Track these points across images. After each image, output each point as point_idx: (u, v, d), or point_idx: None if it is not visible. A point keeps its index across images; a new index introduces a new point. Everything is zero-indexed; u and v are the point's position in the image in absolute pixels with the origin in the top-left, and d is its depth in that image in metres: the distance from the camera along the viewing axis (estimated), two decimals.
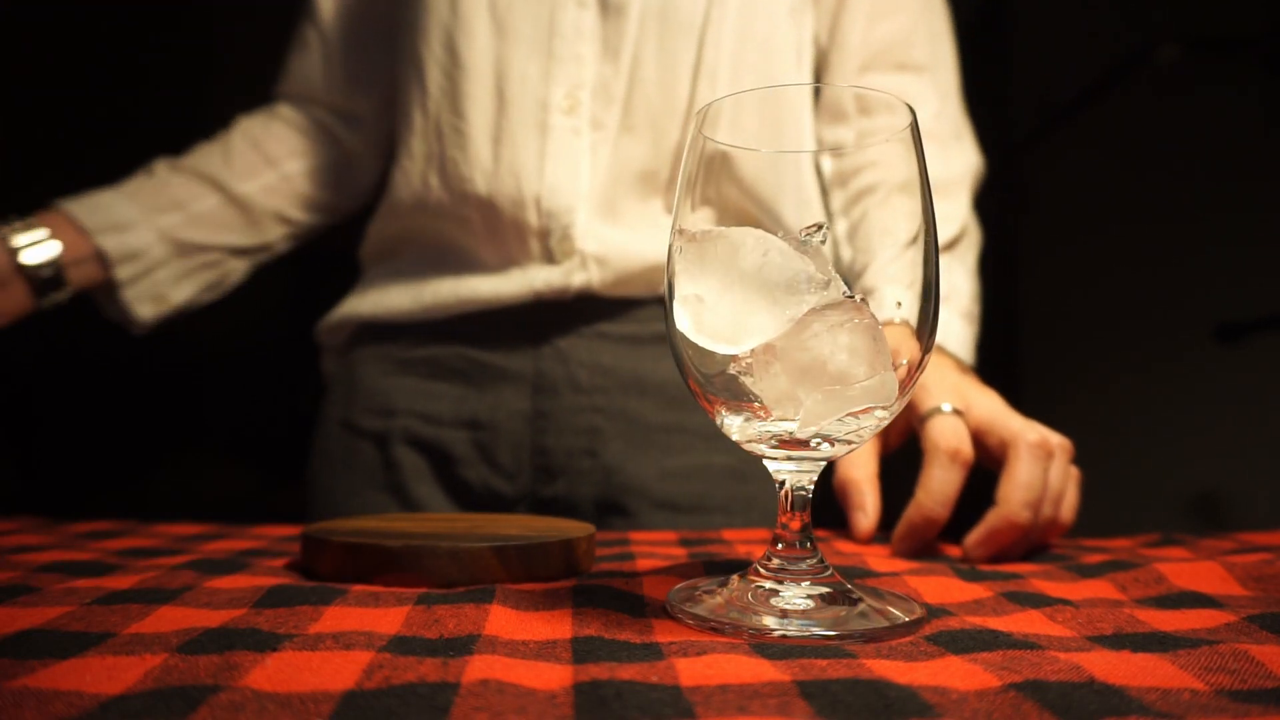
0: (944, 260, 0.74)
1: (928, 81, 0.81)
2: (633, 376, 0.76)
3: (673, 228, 0.39)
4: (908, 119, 0.38)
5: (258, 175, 0.89)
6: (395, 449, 0.79)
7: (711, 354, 0.37)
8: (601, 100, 0.73)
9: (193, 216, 0.85)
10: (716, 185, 0.38)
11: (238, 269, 0.90)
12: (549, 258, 0.74)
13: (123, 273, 0.81)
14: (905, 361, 0.37)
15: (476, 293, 0.76)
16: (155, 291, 0.84)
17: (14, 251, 0.74)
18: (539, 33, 0.73)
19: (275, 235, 0.91)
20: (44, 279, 0.76)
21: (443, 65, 0.76)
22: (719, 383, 0.37)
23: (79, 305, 0.81)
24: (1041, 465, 0.56)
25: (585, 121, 0.73)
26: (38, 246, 0.75)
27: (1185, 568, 0.43)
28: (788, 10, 0.77)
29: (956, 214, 0.78)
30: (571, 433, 0.76)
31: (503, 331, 0.77)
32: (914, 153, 0.38)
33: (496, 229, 0.74)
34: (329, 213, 0.95)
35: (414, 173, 0.78)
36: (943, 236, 0.75)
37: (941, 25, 0.84)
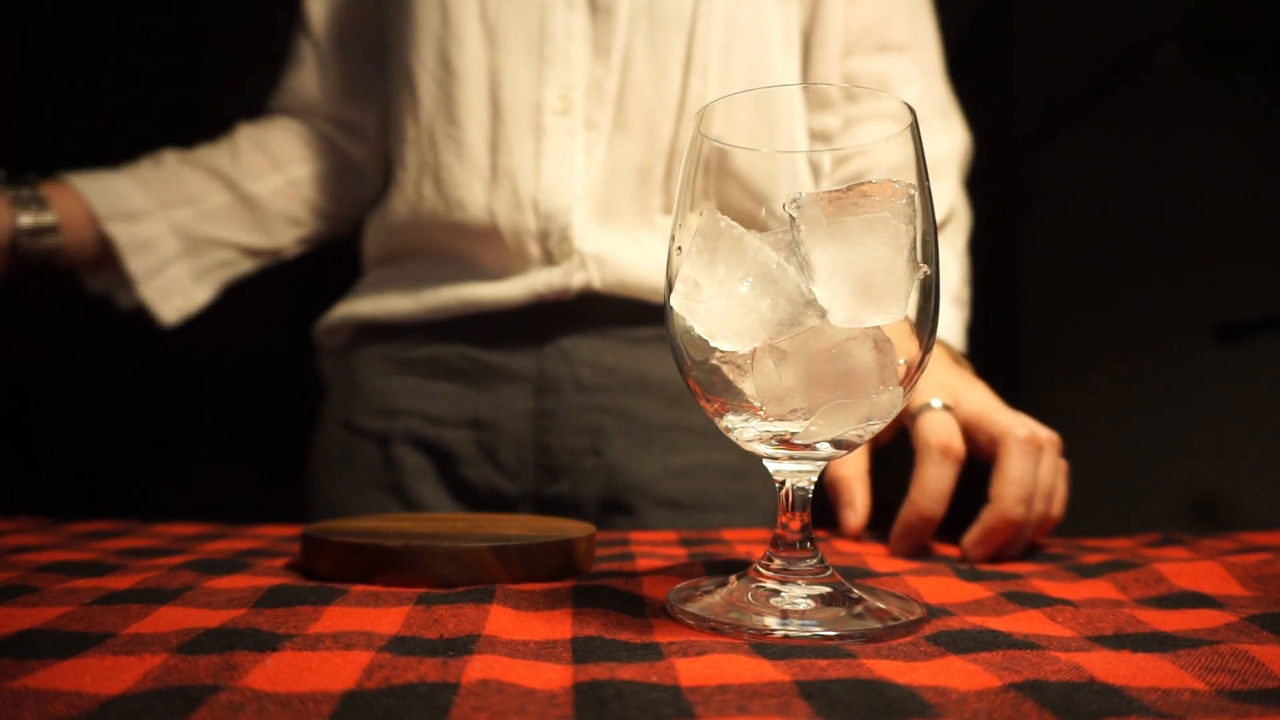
0: None
1: (910, 61, 0.82)
2: (635, 375, 0.76)
3: (673, 232, 0.39)
4: (892, 104, 0.38)
5: (266, 177, 0.88)
6: (397, 449, 0.79)
7: (702, 343, 0.37)
8: (594, 99, 0.73)
9: (205, 212, 0.84)
10: (715, 183, 0.38)
11: (249, 269, 0.89)
12: (548, 259, 0.74)
13: (136, 266, 0.79)
14: (904, 361, 0.36)
15: (478, 296, 0.76)
16: (175, 288, 0.83)
17: (17, 228, 0.72)
18: (530, 36, 0.73)
19: (286, 239, 0.90)
20: (38, 256, 0.74)
21: (436, 75, 0.75)
22: (707, 368, 0.37)
23: (77, 306, 0.81)
24: (1032, 460, 0.56)
25: (579, 121, 0.73)
26: (42, 223, 0.73)
27: (1185, 568, 0.43)
28: None
29: (943, 195, 0.78)
30: (575, 432, 0.76)
31: (505, 332, 0.77)
32: (913, 150, 0.37)
33: (495, 235, 0.74)
34: (336, 220, 0.94)
35: (408, 183, 0.77)
36: None
37: (921, 3, 0.84)
